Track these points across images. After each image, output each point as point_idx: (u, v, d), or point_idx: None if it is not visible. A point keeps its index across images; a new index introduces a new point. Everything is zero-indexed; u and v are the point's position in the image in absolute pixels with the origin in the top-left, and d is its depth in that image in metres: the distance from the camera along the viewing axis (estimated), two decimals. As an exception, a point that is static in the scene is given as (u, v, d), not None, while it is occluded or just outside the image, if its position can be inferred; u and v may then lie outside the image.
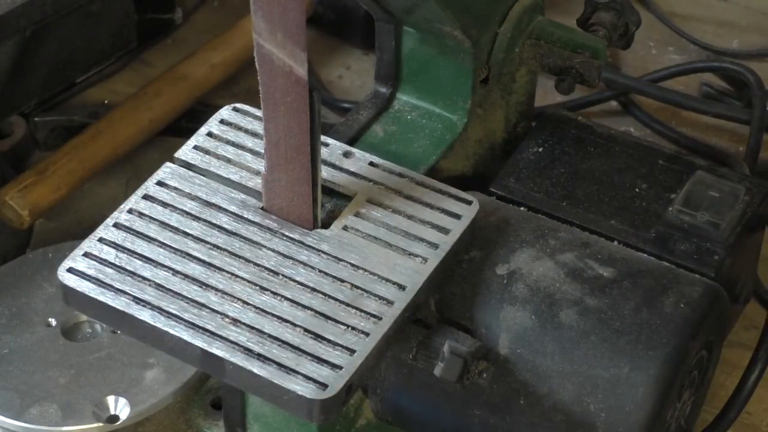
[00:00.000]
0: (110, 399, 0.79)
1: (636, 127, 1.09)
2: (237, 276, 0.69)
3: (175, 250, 0.70)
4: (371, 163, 0.75)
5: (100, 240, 0.71)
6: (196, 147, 0.76)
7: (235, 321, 0.67)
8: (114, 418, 0.79)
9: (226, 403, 0.77)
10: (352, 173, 0.75)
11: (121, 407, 0.79)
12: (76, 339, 0.84)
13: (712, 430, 0.80)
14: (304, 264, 0.70)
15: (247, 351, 0.65)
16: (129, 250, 0.70)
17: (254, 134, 0.77)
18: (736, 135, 1.06)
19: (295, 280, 0.69)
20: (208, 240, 0.71)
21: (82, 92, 1.10)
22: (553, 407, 0.69)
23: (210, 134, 0.77)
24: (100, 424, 0.78)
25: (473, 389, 0.70)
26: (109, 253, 0.70)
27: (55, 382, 0.80)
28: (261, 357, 0.65)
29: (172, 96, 1.04)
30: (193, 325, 0.66)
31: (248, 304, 0.68)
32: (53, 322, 0.84)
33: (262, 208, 0.72)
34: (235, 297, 0.68)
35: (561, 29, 0.83)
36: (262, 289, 0.68)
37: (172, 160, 0.76)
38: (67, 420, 0.78)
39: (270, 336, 0.66)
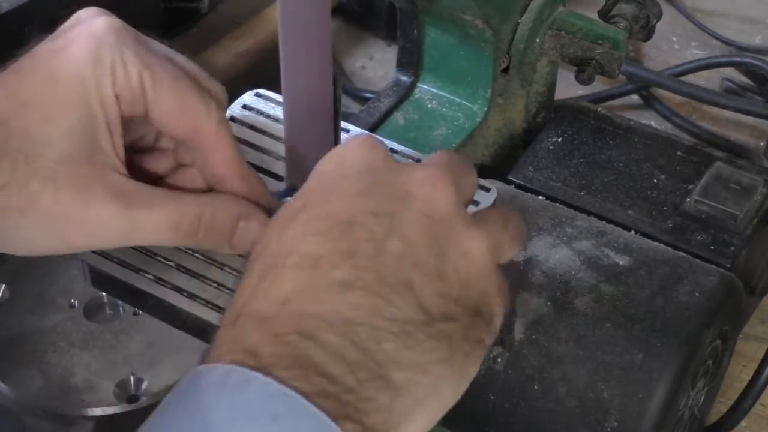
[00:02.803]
0: (131, 379, 0.81)
1: (657, 121, 1.09)
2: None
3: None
4: (391, 150, 0.76)
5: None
6: (218, 131, 0.77)
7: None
8: (135, 399, 0.80)
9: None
10: (372, 159, 0.75)
11: (142, 388, 0.80)
12: (98, 320, 0.85)
13: (726, 420, 0.80)
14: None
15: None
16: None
17: (276, 119, 0.77)
18: (757, 130, 1.07)
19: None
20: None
21: (108, 80, 1.11)
22: (567, 393, 0.70)
23: (232, 119, 0.78)
24: (122, 404, 0.79)
25: (488, 374, 0.70)
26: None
27: (77, 363, 0.82)
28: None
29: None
30: (215, 306, 0.67)
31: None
32: (75, 303, 0.85)
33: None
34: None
35: (581, 20, 0.84)
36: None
37: (195, 143, 0.76)
38: (88, 400, 0.79)
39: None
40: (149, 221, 0.61)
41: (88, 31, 0.62)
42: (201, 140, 0.64)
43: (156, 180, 0.67)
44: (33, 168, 0.59)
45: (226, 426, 0.48)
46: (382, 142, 0.58)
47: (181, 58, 0.66)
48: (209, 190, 0.66)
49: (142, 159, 0.67)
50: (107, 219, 0.60)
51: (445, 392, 0.53)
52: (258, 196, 0.66)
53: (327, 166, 0.58)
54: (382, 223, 0.53)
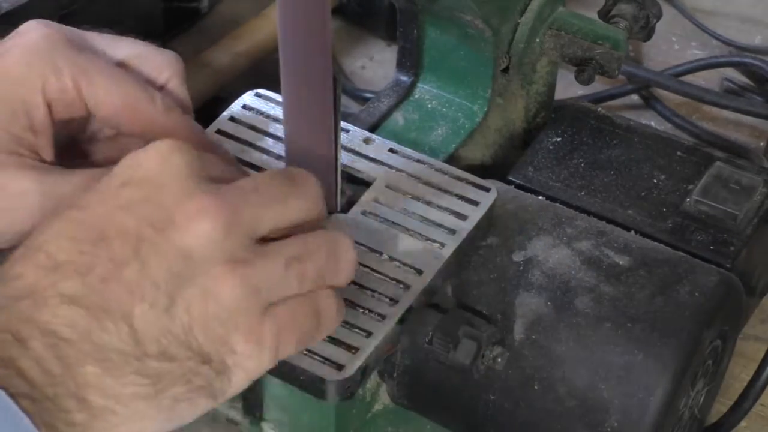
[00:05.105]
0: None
1: (657, 121, 1.09)
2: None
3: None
4: (391, 150, 0.76)
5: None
6: (218, 131, 0.77)
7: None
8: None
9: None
10: (372, 159, 0.76)
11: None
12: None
13: (727, 420, 0.80)
14: (323, 247, 0.70)
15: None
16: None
17: (276, 119, 0.77)
18: (757, 130, 1.07)
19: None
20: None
21: (108, 79, 1.11)
22: (567, 393, 0.70)
23: (232, 119, 0.78)
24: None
25: (488, 374, 0.70)
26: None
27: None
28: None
29: (196, 83, 1.05)
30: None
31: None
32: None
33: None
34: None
35: (581, 20, 0.84)
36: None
37: (195, 144, 0.76)
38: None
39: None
40: (67, 185, 0.62)
41: (22, 42, 0.64)
42: (154, 132, 0.64)
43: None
44: None
45: None
46: (188, 151, 0.55)
47: (122, 47, 0.67)
48: None
49: (88, 148, 0.69)
50: (23, 189, 0.61)
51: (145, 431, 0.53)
52: None
53: (121, 168, 0.56)
54: (129, 247, 0.53)
